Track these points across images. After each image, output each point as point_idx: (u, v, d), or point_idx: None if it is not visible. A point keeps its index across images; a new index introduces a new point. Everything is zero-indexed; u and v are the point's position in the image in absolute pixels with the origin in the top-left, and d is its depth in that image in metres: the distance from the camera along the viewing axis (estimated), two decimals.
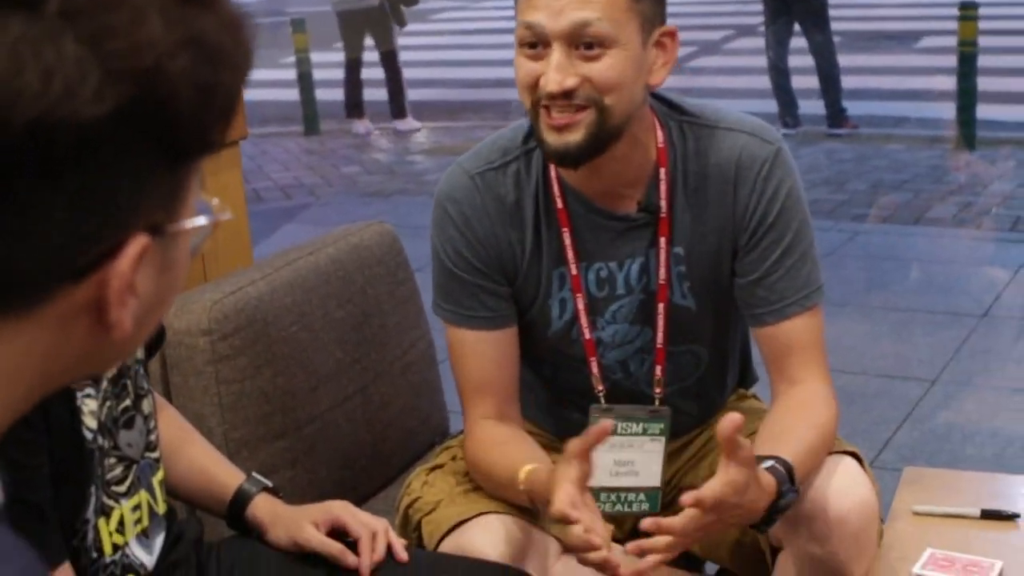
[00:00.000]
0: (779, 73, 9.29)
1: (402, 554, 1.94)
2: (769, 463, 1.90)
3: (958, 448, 4.20)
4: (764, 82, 9.53)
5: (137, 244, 0.79)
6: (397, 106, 10.69)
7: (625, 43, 1.94)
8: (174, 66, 0.77)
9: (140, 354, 1.72)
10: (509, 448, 2.10)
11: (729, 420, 1.76)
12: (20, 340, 0.79)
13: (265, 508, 1.96)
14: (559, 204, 2.11)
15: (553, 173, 2.10)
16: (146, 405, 1.72)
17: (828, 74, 9.22)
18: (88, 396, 1.56)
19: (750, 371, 2.45)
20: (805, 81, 9.45)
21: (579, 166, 2.01)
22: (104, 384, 1.60)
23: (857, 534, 2.01)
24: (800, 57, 9.36)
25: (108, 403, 1.61)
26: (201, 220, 0.86)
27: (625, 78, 1.95)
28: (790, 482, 1.89)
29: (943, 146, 9.00)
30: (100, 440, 1.60)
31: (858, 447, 2.14)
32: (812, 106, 9.48)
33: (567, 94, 1.93)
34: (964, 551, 1.98)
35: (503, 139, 2.16)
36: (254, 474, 2.01)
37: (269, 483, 2.00)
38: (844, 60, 9.41)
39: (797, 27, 9.22)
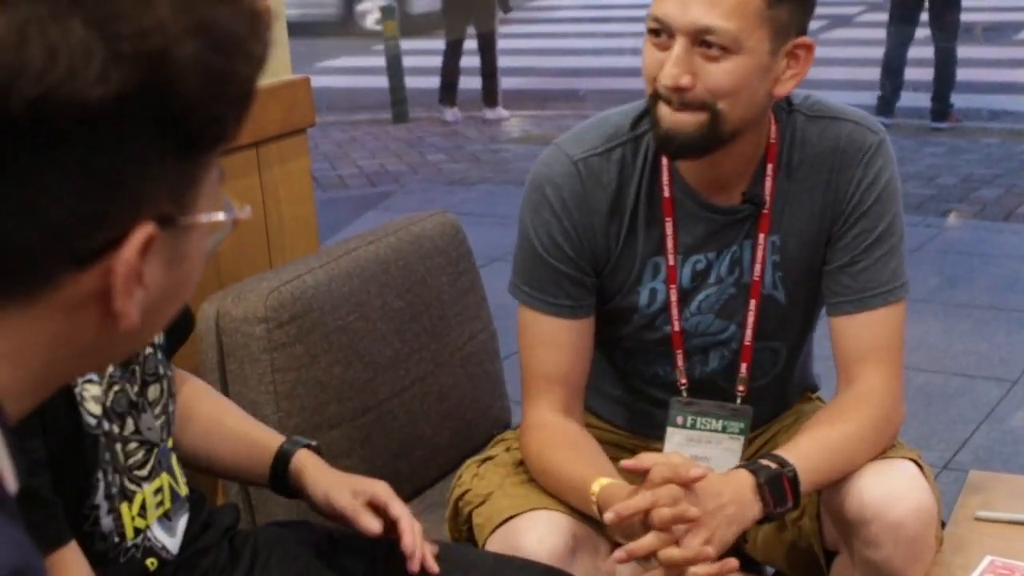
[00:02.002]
0: (896, 61, 9.14)
1: (418, 564, 1.87)
2: (759, 461, 1.95)
3: None
4: (858, 73, 9.42)
5: (143, 232, 0.79)
6: (489, 93, 10.68)
7: (751, 50, 1.91)
8: (181, 51, 0.77)
9: (158, 338, 1.70)
10: (579, 454, 2.08)
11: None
12: (25, 326, 0.79)
13: (308, 462, 1.93)
14: (666, 193, 2.09)
15: (664, 161, 2.08)
16: (152, 391, 1.72)
17: (947, 66, 9.07)
18: (89, 382, 1.56)
19: (812, 378, 2.43)
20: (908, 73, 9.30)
21: (684, 159, 2.03)
22: (110, 369, 1.60)
23: (914, 539, 1.97)
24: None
25: (115, 388, 1.61)
26: (216, 216, 0.86)
27: (743, 85, 1.94)
28: (781, 479, 1.92)
29: None
30: (107, 425, 1.60)
31: (934, 448, 2.11)
32: (908, 98, 9.33)
33: (681, 90, 1.92)
34: None
35: (609, 123, 2.13)
36: (295, 436, 2.00)
37: (312, 442, 1.98)
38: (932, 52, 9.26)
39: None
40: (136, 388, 1.67)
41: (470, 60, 10.57)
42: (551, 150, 2.14)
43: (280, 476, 1.94)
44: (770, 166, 2.08)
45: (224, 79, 0.80)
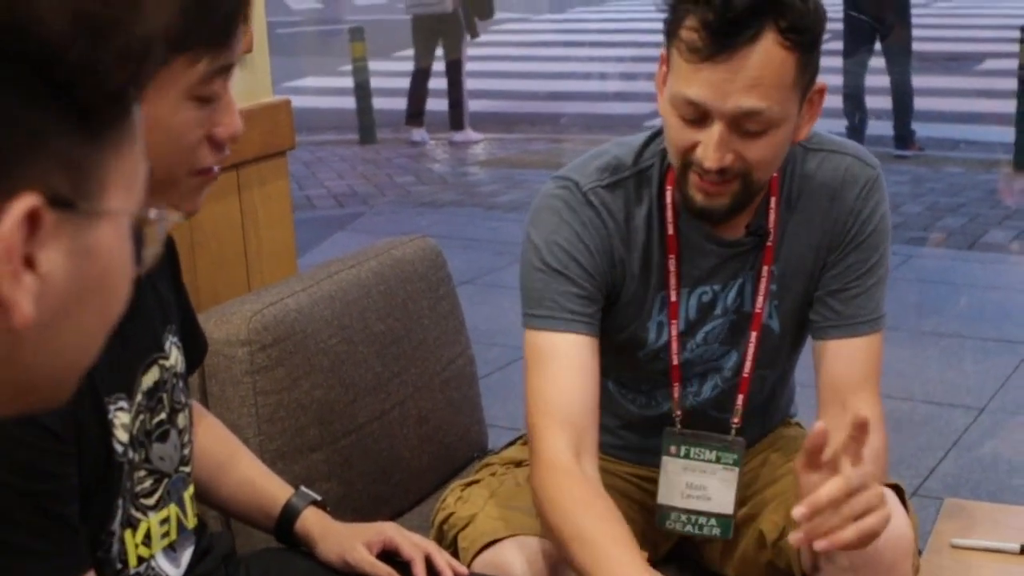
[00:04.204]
0: (855, 91, 9.23)
1: None
2: None
3: (1004, 479, 4.15)
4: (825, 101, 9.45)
5: (24, 204, 0.70)
6: (456, 117, 10.71)
7: (787, 119, 1.92)
8: None
9: (180, 367, 1.72)
10: (607, 529, 1.90)
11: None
12: None
13: (315, 522, 1.96)
14: (670, 230, 2.09)
15: (668, 198, 2.08)
16: (181, 419, 1.72)
17: (903, 95, 9.18)
18: (120, 409, 1.56)
19: (793, 403, 2.44)
20: (869, 101, 9.39)
21: (720, 223, 2.04)
22: (138, 397, 1.60)
23: (891, 567, 1.99)
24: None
25: (141, 416, 1.62)
26: (129, 210, 0.77)
27: (779, 153, 1.96)
28: None
29: (1001, 170, 8.92)
30: (131, 453, 1.60)
31: (902, 475, 2.13)
32: (872, 126, 9.41)
33: (722, 171, 1.92)
34: None
35: (610, 158, 2.11)
36: (302, 488, 2.01)
37: (317, 497, 2.00)
38: None
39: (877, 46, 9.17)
40: (163, 415, 1.67)
41: (439, 82, 10.60)
42: (555, 181, 2.11)
43: (285, 529, 1.96)
44: (773, 199, 2.10)
45: (100, 25, 0.71)
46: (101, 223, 0.75)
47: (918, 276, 6.52)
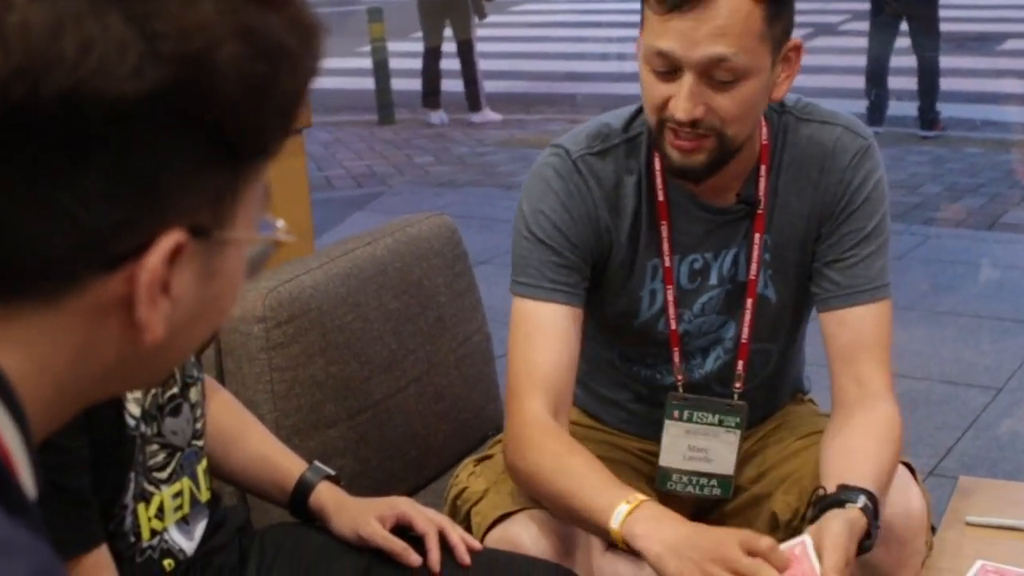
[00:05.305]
0: (879, 71, 9.19)
1: (465, 557, 1.93)
2: (860, 500, 1.85)
3: (1022, 458, 4.14)
4: (844, 81, 9.44)
5: (172, 239, 0.77)
6: (472, 98, 10.70)
7: (758, 71, 1.92)
8: (222, 54, 0.75)
9: None
10: (582, 471, 1.96)
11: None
12: (49, 331, 0.77)
13: (329, 497, 1.97)
14: (660, 197, 2.10)
15: (658, 165, 2.09)
16: (194, 393, 1.73)
17: (930, 75, 9.12)
18: None
19: (802, 381, 2.45)
20: (891, 82, 9.35)
21: (701, 182, 2.04)
22: None
23: (904, 543, 2.00)
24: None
25: (153, 390, 1.62)
26: (255, 235, 0.84)
27: (752, 106, 1.96)
28: (875, 516, 1.87)
29: (1022, 150, 8.88)
30: (143, 427, 1.61)
31: (920, 454, 2.13)
32: (894, 107, 9.36)
33: (695, 122, 1.93)
34: (1017, 564, 1.95)
35: (602, 127, 2.14)
36: (316, 463, 2.01)
37: (331, 471, 2.01)
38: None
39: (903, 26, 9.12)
40: (175, 390, 1.68)
41: (456, 63, 10.59)
42: (550, 149, 2.15)
43: (300, 504, 1.97)
44: (763, 167, 2.11)
45: (266, 88, 0.78)
46: (229, 248, 0.82)
47: (937, 256, 6.49)
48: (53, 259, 0.75)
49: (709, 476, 2.19)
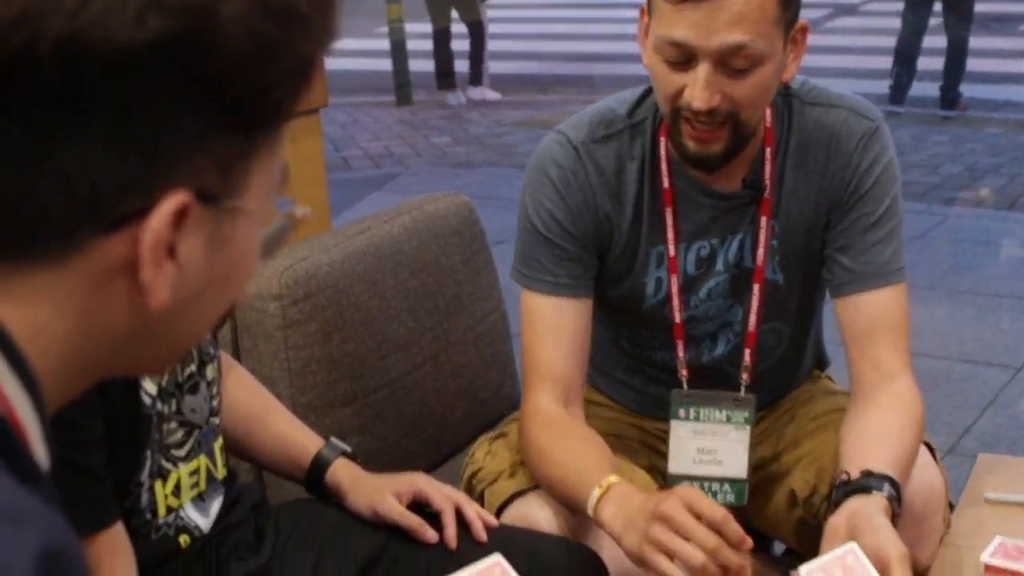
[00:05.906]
0: (910, 49, 9.11)
1: (481, 534, 1.93)
2: (886, 488, 1.85)
3: None
4: (864, 62, 9.39)
5: (175, 200, 0.75)
6: (474, 74, 10.78)
7: (772, 55, 1.91)
8: (227, 8, 0.73)
9: None
10: (585, 445, 2.01)
11: None
12: (52, 290, 0.76)
13: (345, 473, 1.97)
14: (666, 184, 2.09)
15: (663, 151, 2.08)
16: (210, 371, 1.73)
17: (959, 54, 9.07)
18: None
19: (823, 354, 2.43)
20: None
21: (716, 171, 2.03)
22: None
23: (922, 519, 1.99)
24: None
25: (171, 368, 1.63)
26: (268, 207, 0.82)
27: (766, 90, 1.95)
28: (899, 504, 1.87)
29: None
30: (159, 405, 1.61)
31: (939, 433, 2.12)
32: (916, 87, 9.30)
33: (713, 112, 1.91)
34: None
35: (606, 112, 2.13)
36: (333, 439, 2.01)
37: (348, 448, 2.01)
38: (943, 42, 9.25)
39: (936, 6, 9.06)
40: (192, 367, 1.68)
41: (467, 44, 10.63)
42: (551, 135, 2.14)
43: (316, 481, 1.98)
44: (768, 150, 2.09)
45: (275, 49, 0.76)
46: (239, 218, 0.80)
47: (956, 236, 6.46)
48: (54, 220, 0.74)
49: (721, 481, 2.17)
